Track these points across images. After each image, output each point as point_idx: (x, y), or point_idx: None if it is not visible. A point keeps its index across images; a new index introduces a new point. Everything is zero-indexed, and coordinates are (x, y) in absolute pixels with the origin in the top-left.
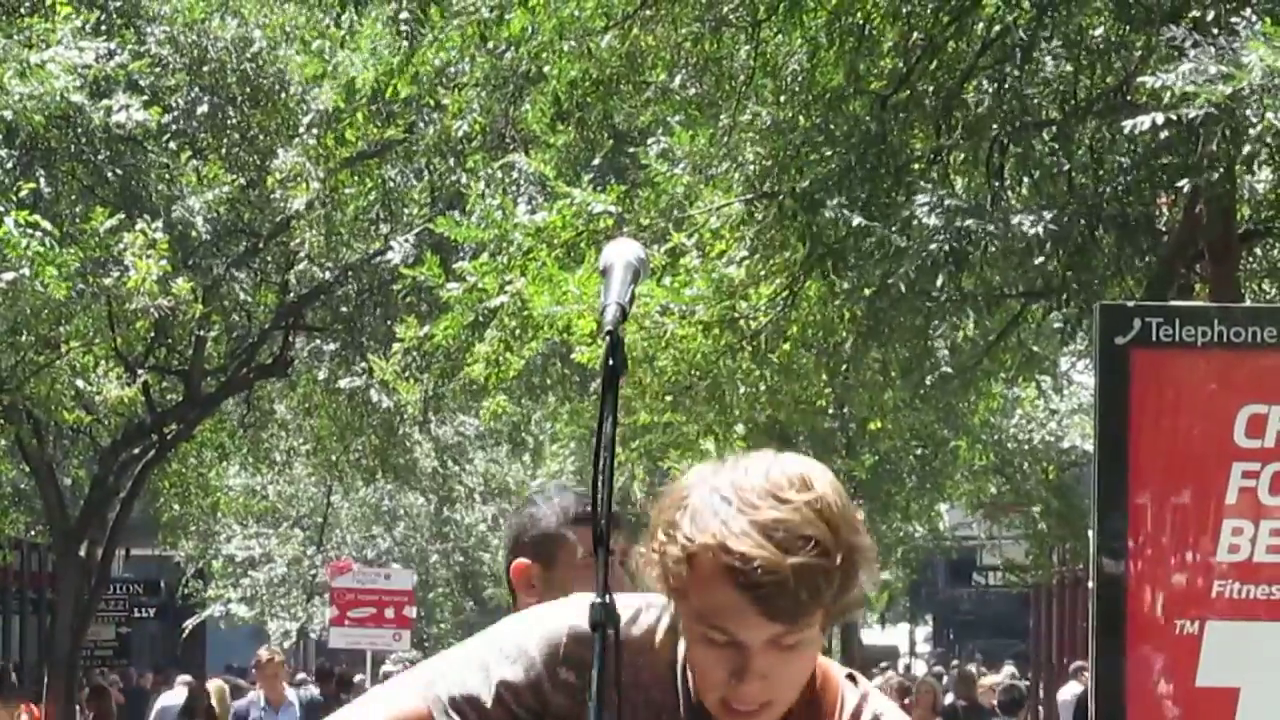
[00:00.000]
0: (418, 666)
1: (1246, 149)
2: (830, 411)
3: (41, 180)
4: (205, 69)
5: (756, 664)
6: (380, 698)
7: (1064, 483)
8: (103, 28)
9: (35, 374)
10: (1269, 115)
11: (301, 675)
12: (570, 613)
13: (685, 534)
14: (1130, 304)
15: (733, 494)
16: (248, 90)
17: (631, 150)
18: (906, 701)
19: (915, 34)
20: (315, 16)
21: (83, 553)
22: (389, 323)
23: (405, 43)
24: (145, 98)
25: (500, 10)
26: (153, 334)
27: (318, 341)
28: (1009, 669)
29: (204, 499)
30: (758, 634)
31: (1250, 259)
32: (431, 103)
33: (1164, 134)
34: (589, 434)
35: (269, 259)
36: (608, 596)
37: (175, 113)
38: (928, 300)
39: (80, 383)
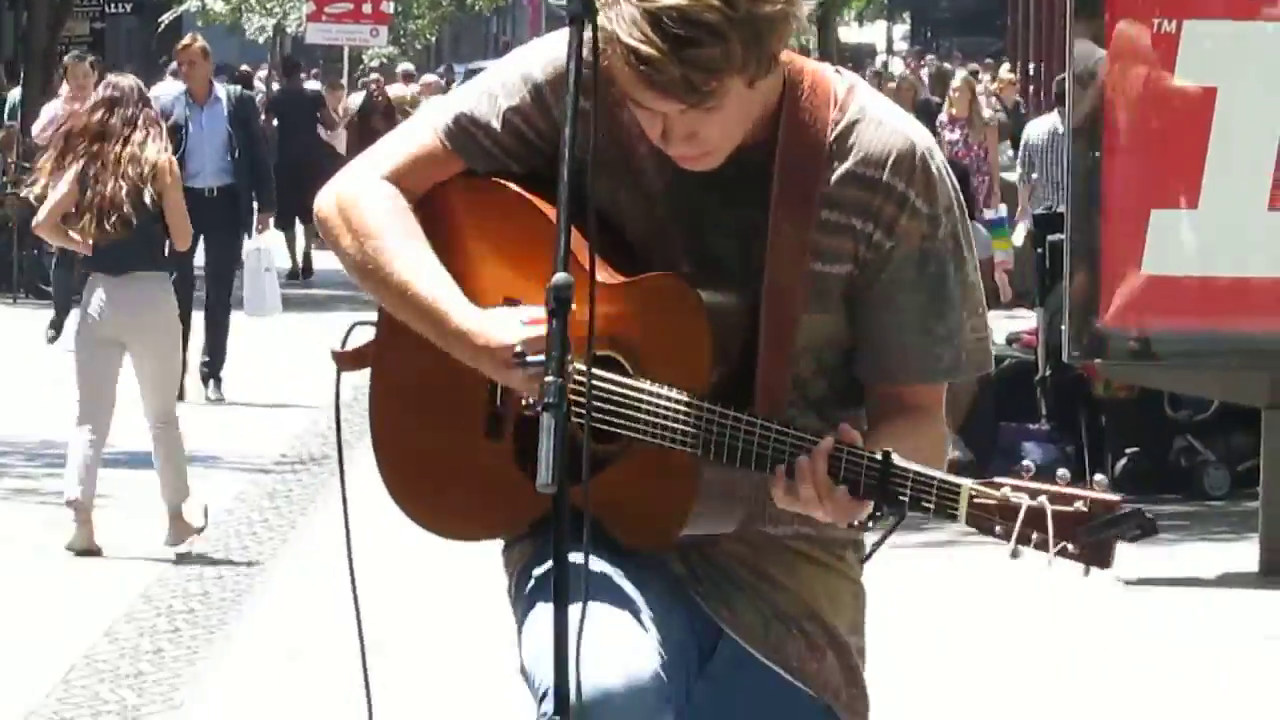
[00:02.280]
0: (429, 105)
1: None
2: None
3: None
4: None
5: (676, 129)
6: (393, 135)
7: None
8: None
9: None
10: None
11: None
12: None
13: (602, 17)
14: None
15: None
16: None
17: None
18: None
19: None
20: None
21: None
22: None
23: None
24: None
25: None
26: None
27: None
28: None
29: None
30: (664, 107)
31: None
32: None
33: None
34: None
35: None
36: None
37: None
38: None
39: None
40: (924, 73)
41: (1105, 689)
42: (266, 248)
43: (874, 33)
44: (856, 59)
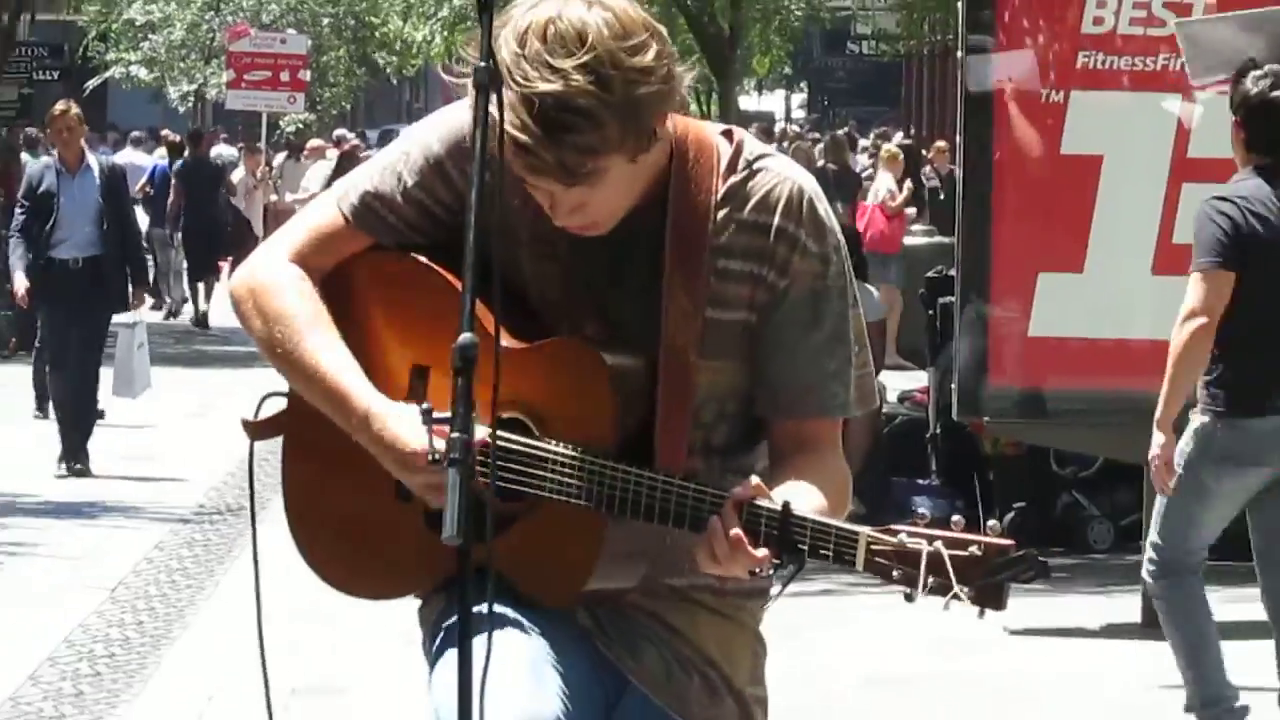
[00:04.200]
0: (335, 184)
1: None
2: None
3: None
4: None
5: (562, 202)
6: (301, 215)
7: None
8: None
9: None
10: None
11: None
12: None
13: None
14: None
15: (515, 58)
16: None
17: None
18: None
19: None
20: None
21: None
22: None
23: None
24: None
25: None
26: None
27: None
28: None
29: None
30: (547, 186)
31: None
32: None
33: None
34: None
35: None
36: (491, 60)
37: None
38: None
39: None
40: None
41: None
42: (141, 323)
43: (773, 101)
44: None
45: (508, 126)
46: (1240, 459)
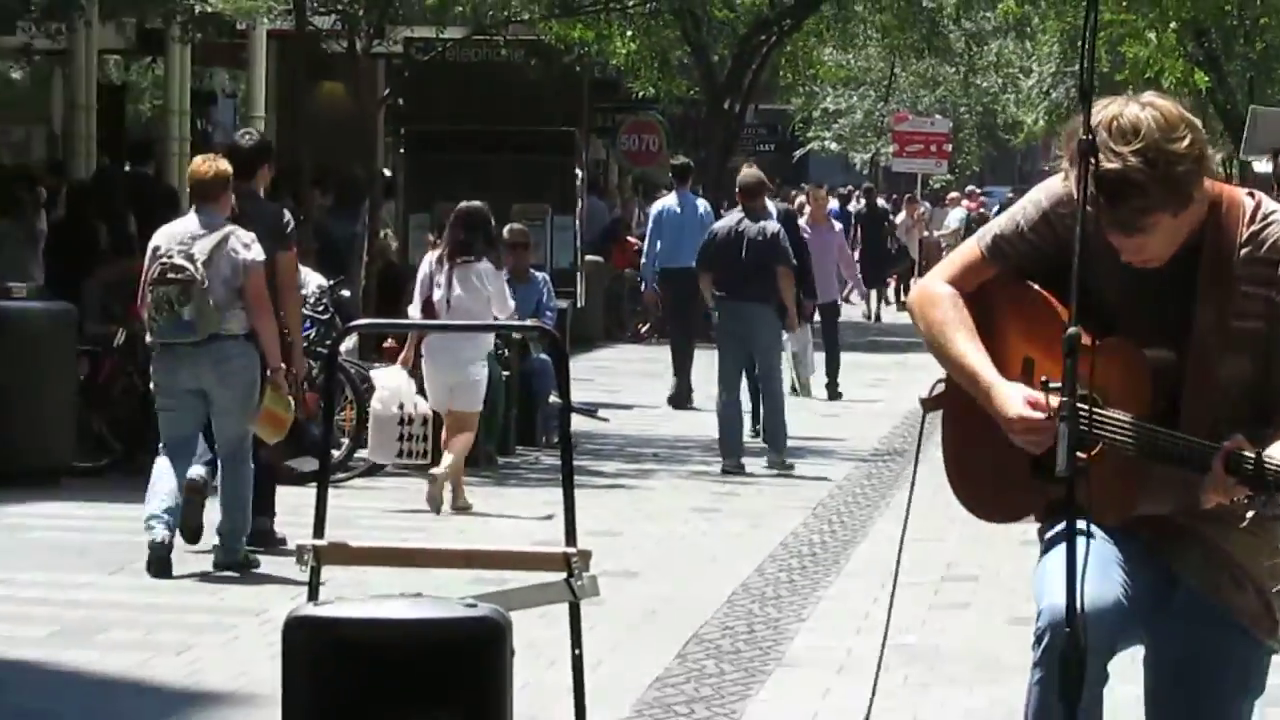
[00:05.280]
0: (979, 230)
1: None
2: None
3: None
4: None
5: (1126, 246)
6: (955, 252)
7: None
8: None
9: None
10: None
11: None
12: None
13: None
14: None
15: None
16: None
17: None
18: None
19: None
20: None
21: (725, 106)
22: None
23: None
24: None
25: None
26: None
27: None
28: None
29: (808, 69)
30: (1116, 234)
31: None
32: None
33: None
34: (1073, 28)
35: None
36: (1090, 135)
37: None
38: None
39: None
40: None
41: None
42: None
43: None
44: (1264, 186)
45: (1089, 201)
46: None
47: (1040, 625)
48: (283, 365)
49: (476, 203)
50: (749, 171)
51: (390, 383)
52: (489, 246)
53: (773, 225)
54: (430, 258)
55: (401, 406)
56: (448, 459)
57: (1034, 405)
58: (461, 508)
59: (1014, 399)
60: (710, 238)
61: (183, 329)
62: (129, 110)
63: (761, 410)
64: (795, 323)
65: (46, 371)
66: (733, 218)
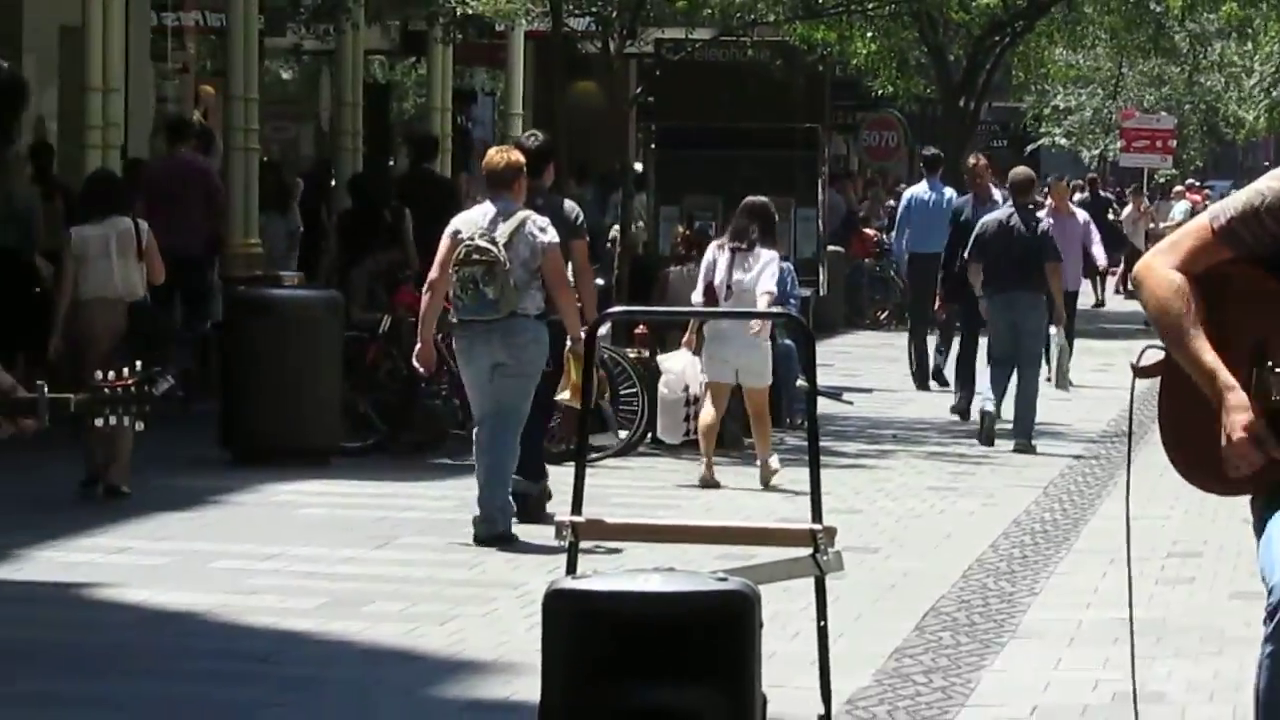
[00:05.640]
0: (1208, 209)
1: None
2: None
3: None
4: None
5: None
6: (1184, 231)
7: None
8: None
9: None
10: None
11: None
12: None
13: None
14: None
15: None
16: None
17: None
18: None
19: None
20: None
21: (960, 104)
22: None
23: None
24: None
25: None
26: None
27: None
28: None
29: (1039, 69)
30: None
31: None
32: None
33: None
34: None
35: None
36: None
37: None
38: None
39: None
40: None
41: None
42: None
43: None
44: None
45: None
46: None
47: (1272, 601)
48: (583, 335)
49: (761, 197)
50: (1020, 169)
51: (675, 366)
52: (767, 235)
53: (1045, 222)
54: (714, 245)
55: (687, 389)
56: (761, 449)
57: (1249, 432)
58: (710, 484)
59: (1244, 418)
60: (981, 230)
61: (486, 306)
62: (393, 108)
63: (1014, 394)
64: (1062, 315)
65: (316, 357)
66: (1003, 212)
